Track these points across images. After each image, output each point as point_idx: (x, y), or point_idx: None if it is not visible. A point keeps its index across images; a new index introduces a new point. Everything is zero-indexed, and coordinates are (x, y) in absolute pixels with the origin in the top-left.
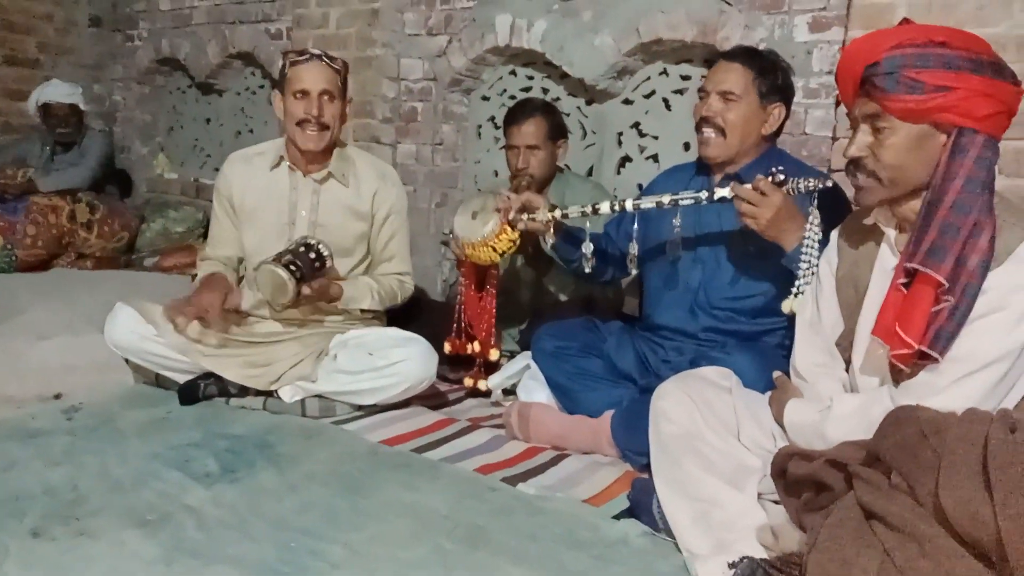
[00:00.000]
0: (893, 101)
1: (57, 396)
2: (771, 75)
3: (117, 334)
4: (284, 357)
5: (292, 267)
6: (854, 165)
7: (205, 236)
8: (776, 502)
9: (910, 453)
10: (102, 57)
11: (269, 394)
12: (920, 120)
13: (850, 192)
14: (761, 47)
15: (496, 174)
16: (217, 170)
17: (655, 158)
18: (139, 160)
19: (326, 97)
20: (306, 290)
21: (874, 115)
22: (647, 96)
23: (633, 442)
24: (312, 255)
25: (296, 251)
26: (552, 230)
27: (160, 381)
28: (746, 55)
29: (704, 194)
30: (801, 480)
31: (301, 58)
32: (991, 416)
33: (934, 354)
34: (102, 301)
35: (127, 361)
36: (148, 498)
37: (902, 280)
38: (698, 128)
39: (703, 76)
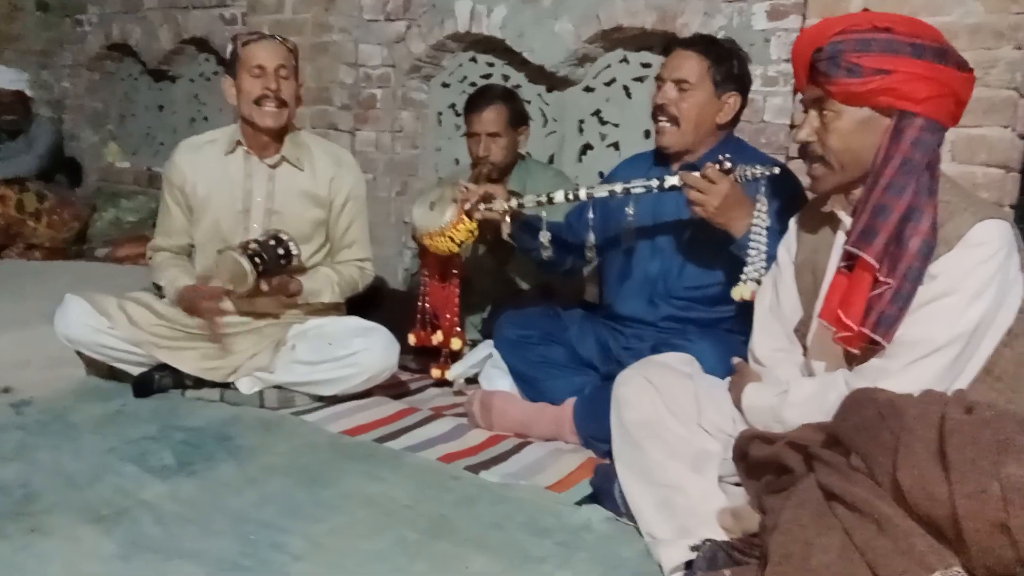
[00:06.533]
0: (834, 85)
1: (6, 390)
2: (726, 64)
3: (68, 327)
4: (241, 348)
5: (257, 259)
6: (805, 151)
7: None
8: (737, 484)
9: (868, 435)
10: (50, 43)
11: (226, 386)
12: (861, 103)
13: (804, 179)
14: (720, 35)
15: (457, 162)
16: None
17: (616, 146)
18: (89, 149)
19: (283, 73)
20: (264, 286)
21: (819, 99)
22: (608, 84)
23: (595, 429)
24: (280, 250)
25: (265, 243)
26: (510, 219)
27: (114, 374)
28: (702, 43)
29: (655, 182)
30: (762, 462)
31: (253, 37)
32: (947, 397)
33: (878, 338)
34: (53, 293)
35: (79, 354)
36: (104, 493)
37: (845, 263)
38: (654, 116)
39: (663, 64)
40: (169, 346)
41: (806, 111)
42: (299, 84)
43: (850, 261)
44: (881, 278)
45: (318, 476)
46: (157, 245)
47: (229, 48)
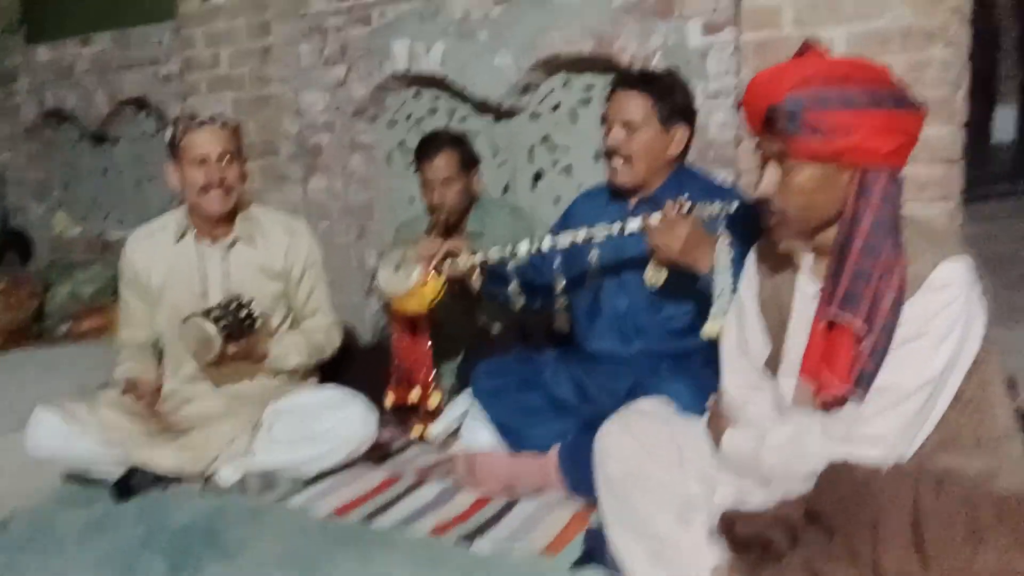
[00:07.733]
0: (797, 143)
1: None
2: (669, 98)
3: (40, 445)
4: (218, 436)
5: (221, 323)
6: (764, 203)
7: (116, 294)
8: None
9: (847, 515)
10: None
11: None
12: (825, 161)
13: None
14: (656, 55)
15: (412, 201)
16: (121, 222)
17: (567, 170)
18: (37, 220)
19: (226, 159)
20: (232, 348)
21: (780, 154)
22: (554, 108)
23: (582, 477)
24: (243, 314)
25: (227, 307)
26: (477, 272)
27: (91, 475)
28: (643, 81)
29: (617, 226)
30: (748, 540)
31: (193, 124)
32: (917, 472)
33: (858, 393)
34: (18, 390)
35: None
36: None
37: (824, 322)
38: (607, 156)
39: (608, 89)
40: (145, 444)
41: (763, 160)
42: (244, 162)
43: (829, 321)
44: (862, 335)
45: (312, 567)
46: (122, 341)
47: (169, 132)
